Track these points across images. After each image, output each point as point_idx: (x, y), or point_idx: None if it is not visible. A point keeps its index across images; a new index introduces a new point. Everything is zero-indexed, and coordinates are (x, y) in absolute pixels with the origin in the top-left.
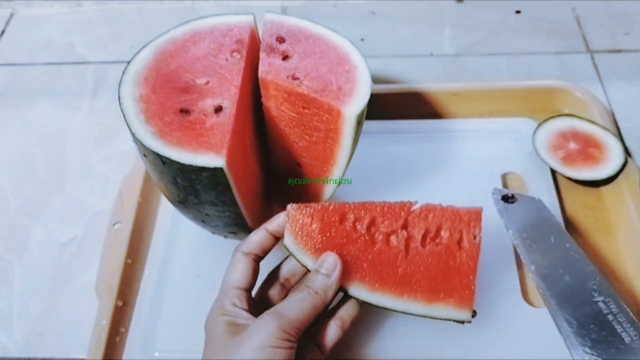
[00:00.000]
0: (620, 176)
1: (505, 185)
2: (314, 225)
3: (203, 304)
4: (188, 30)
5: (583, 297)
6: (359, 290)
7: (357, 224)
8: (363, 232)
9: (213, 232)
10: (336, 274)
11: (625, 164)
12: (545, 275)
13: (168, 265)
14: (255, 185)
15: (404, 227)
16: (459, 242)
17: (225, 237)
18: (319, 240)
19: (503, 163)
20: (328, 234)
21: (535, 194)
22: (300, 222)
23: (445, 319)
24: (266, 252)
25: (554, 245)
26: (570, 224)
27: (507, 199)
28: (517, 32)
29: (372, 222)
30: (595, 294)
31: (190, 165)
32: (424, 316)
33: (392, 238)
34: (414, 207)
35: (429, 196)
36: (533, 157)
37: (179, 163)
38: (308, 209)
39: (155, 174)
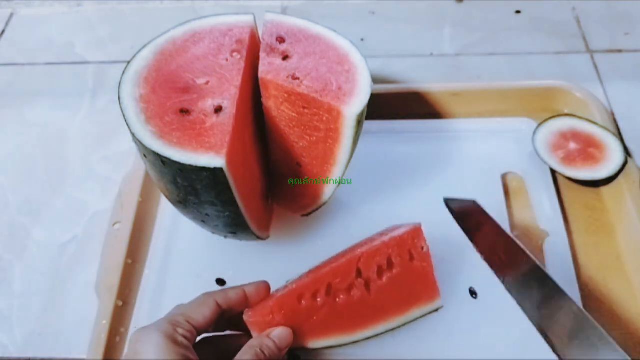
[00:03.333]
0: (620, 176)
1: (505, 185)
2: (277, 318)
3: None
4: (188, 30)
5: None
6: (342, 340)
7: (315, 296)
8: (323, 300)
9: (213, 232)
10: (285, 350)
11: (625, 164)
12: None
13: (168, 265)
14: (255, 185)
15: (358, 275)
16: (411, 259)
17: (225, 237)
18: (288, 327)
19: (503, 163)
20: (292, 318)
21: (535, 194)
22: (262, 321)
23: (422, 317)
24: (232, 311)
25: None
26: (570, 224)
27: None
28: (517, 32)
29: (328, 289)
30: None
31: (190, 166)
32: (403, 325)
33: (353, 291)
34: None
35: (429, 196)
36: (533, 157)
37: (179, 163)
38: (264, 307)
39: (155, 174)
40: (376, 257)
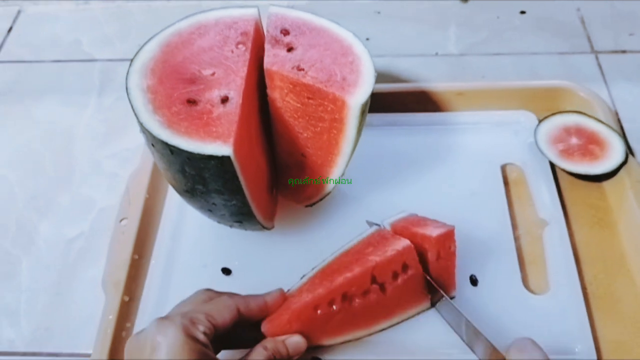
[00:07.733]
0: (624, 174)
1: (505, 176)
2: (294, 326)
3: None
4: (194, 22)
5: None
6: (358, 334)
7: (331, 305)
8: (339, 307)
9: (219, 222)
10: (295, 358)
11: (624, 163)
12: None
13: (174, 261)
14: (261, 175)
15: (373, 282)
16: (438, 258)
17: (231, 226)
18: (305, 332)
19: (503, 154)
20: (309, 325)
21: (535, 184)
22: (280, 331)
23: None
24: (250, 319)
25: None
26: (572, 221)
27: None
28: (522, 32)
29: (344, 296)
30: None
31: (198, 154)
32: (417, 314)
33: (369, 295)
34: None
35: (430, 186)
36: (533, 149)
37: (187, 152)
38: (281, 319)
39: (163, 164)
40: (391, 265)
